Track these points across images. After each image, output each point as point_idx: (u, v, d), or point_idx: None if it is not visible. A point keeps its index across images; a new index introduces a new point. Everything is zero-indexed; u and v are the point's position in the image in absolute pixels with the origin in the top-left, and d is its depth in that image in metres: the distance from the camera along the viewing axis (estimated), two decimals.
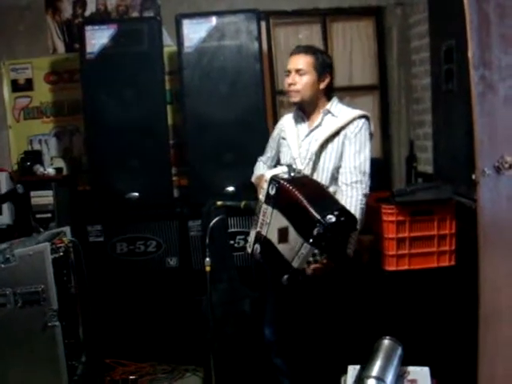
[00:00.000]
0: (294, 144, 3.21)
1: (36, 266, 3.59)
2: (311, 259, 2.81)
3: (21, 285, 3.59)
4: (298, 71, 3.14)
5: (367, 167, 3.07)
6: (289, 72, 3.17)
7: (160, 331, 4.17)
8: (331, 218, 2.60)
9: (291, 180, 2.87)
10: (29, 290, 3.60)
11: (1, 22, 4.77)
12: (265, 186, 2.96)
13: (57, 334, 3.60)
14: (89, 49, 4.11)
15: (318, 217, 2.61)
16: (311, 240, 2.62)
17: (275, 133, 3.44)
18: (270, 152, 3.48)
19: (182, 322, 4.13)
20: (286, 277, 2.74)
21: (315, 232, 2.60)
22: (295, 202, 2.73)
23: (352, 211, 2.84)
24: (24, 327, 3.57)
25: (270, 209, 2.91)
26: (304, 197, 2.71)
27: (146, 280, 4.20)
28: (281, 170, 2.99)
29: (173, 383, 3.96)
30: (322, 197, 2.83)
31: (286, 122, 3.36)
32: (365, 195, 3.04)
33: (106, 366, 4.07)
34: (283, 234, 2.80)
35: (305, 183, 2.90)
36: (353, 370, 2.54)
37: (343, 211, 2.69)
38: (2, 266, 3.58)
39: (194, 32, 4.13)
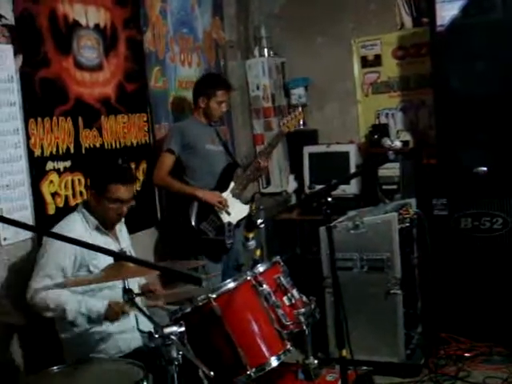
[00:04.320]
0: None
1: (383, 235, 3.76)
2: None
3: (367, 251, 3.80)
4: None
5: None
6: None
7: (499, 312, 4.00)
8: None
9: None
10: (375, 256, 3.79)
11: (354, 2, 5.00)
12: None
13: (398, 301, 3.74)
14: (439, 21, 4.08)
15: None
16: None
17: None
18: None
19: None
20: None
21: None
22: None
23: None
24: (367, 292, 3.79)
25: None
26: None
27: (489, 257, 4.05)
28: None
29: (510, 368, 3.75)
30: None
31: None
32: None
33: (441, 340, 4.03)
34: None
35: None
36: None
37: None
38: (352, 232, 3.82)
39: None
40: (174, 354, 1.88)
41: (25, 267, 3.03)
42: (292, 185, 5.16)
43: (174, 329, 1.89)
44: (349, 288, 3.79)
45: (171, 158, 3.87)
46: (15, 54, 3.14)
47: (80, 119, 3.49)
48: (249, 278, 2.50)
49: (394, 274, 3.73)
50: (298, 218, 4.93)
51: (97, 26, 3.63)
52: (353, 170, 4.77)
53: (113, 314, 2.77)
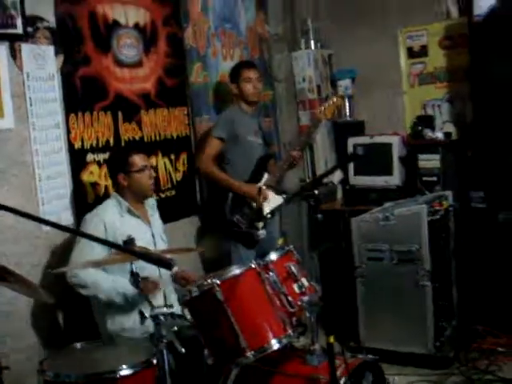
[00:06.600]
0: None
1: (412, 226, 3.78)
2: None
3: (397, 243, 3.84)
4: None
5: None
6: None
7: None
8: None
9: None
10: (404, 248, 3.82)
11: None
12: None
13: (427, 293, 3.76)
14: (476, 11, 4.04)
15: None
16: None
17: None
18: None
19: None
20: None
21: None
22: None
23: None
24: (396, 283, 3.83)
25: None
26: None
27: None
28: None
29: None
30: None
31: None
32: None
33: (476, 333, 4.00)
34: None
35: None
36: None
37: None
38: (381, 223, 3.86)
39: None
40: (163, 333, 2.04)
41: (63, 253, 3.27)
42: (338, 176, 5.20)
43: (164, 310, 2.05)
44: (379, 279, 3.87)
45: (219, 146, 3.98)
46: (56, 54, 3.38)
47: (120, 113, 3.70)
48: (253, 265, 2.61)
49: (423, 265, 3.75)
50: (341, 209, 4.98)
51: (136, 25, 3.83)
52: (396, 161, 4.75)
53: (147, 289, 2.90)
